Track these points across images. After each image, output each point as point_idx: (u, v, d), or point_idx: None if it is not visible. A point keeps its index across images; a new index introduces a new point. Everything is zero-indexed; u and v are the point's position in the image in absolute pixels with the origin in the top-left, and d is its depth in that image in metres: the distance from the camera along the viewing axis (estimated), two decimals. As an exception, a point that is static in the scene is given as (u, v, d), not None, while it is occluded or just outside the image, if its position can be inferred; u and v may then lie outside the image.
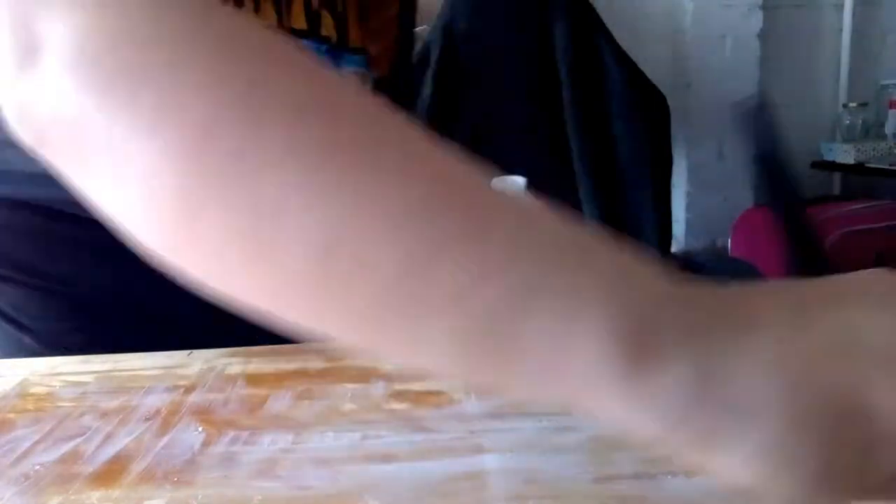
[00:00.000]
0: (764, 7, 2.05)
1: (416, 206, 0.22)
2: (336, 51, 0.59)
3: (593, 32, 1.46)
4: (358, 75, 0.58)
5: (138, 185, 0.24)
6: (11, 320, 0.68)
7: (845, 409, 0.20)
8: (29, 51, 0.25)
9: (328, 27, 0.58)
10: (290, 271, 0.23)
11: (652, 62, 1.62)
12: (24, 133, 0.27)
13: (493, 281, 0.21)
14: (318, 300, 0.23)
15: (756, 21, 2.06)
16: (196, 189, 0.23)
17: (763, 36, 2.07)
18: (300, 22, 0.56)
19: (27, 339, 0.68)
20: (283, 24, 0.56)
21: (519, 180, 0.60)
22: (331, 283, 0.22)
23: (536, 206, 0.24)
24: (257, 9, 0.55)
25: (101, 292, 0.67)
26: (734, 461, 0.21)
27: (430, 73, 1.40)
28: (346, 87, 0.26)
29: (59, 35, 0.24)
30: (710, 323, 0.22)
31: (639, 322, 0.21)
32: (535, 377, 0.22)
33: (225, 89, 0.24)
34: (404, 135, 0.25)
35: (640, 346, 0.21)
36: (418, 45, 1.43)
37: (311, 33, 0.56)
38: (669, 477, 0.41)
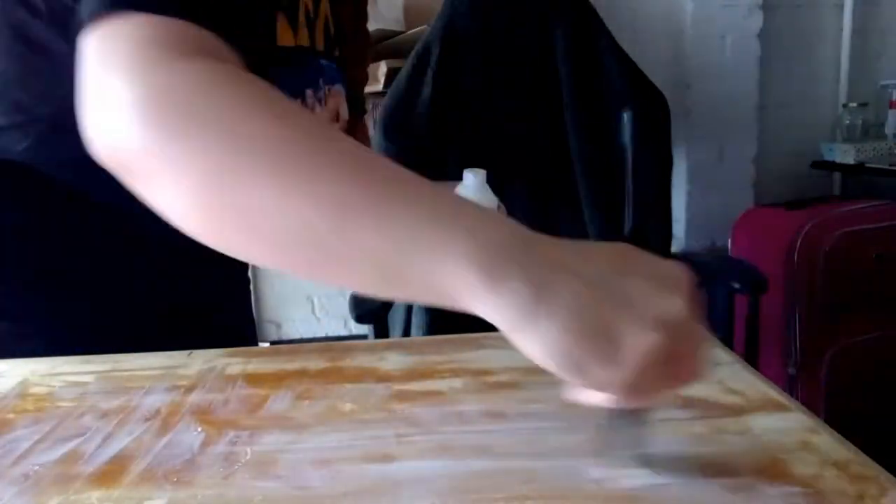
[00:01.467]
0: (764, 7, 2.05)
1: (346, 199, 0.36)
2: (341, 70, 0.70)
3: (593, 33, 1.46)
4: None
5: (187, 195, 0.38)
6: None
7: (597, 326, 0.34)
8: (99, 104, 0.40)
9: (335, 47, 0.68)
10: (276, 238, 0.38)
11: (652, 62, 1.62)
12: (107, 161, 0.40)
13: (394, 236, 0.35)
14: (288, 251, 0.39)
15: (756, 21, 2.06)
16: (219, 198, 0.38)
17: (763, 36, 2.06)
18: (320, 43, 0.65)
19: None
20: (313, 46, 0.64)
21: (479, 173, 0.63)
22: (293, 240, 0.37)
23: (424, 184, 0.37)
24: (296, 32, 0.62)
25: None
26: (533, 348, 0.35)
27: (430, 73, 1.40)
28: (319, 128, 0.40)
29: (127, 98, 0.38)
30: (529, 260, 0.35)
31: (487, 258, 0.34)
32: (429, 293, 0.36)
33: (225, 148, 0.38)
34: (349, 148, 0.39)
35: (489, 272, 0.34)
36: (419, 45, 1.43)
37: (327, 54, 0.66)
38: (669, 477, 0.41)
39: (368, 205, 0.36)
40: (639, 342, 0.33)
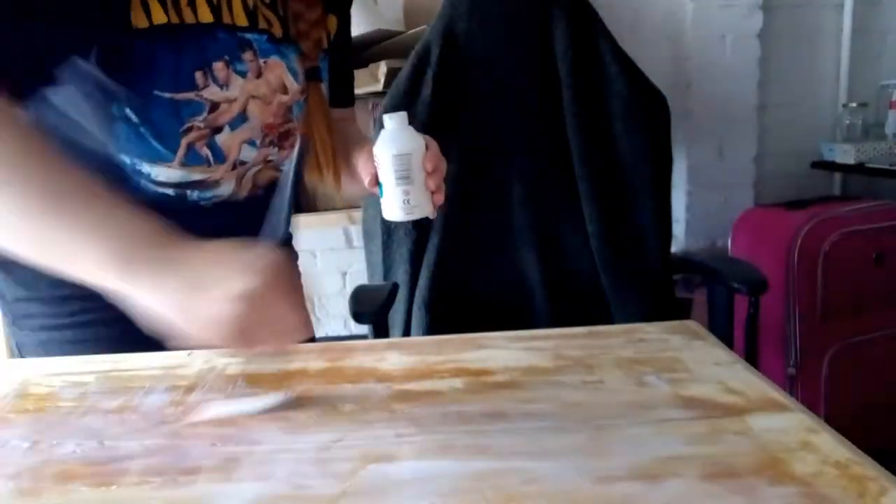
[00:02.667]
0: (764, 7, 2.05)
1: (36, 210, 0.50)
2: (279, 43, 0.71)
3: (593, 32, 1.46)
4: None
5: None
6: None
7: (189, 303, 0.48)
8: None
9: (269, 23, 0.70)
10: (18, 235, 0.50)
11: (652, 62, 1.62)
12: None
13: (65, 237, 0.50)
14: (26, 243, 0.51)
15: (756, 21, 2.05)
16: None
17: (763, 36, 2.06)
18: (242, 20, 0.67)
19: None
20: (225, 22, 0.66)
21: (396, 116, 0.66)
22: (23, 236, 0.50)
23: (91, 192, 0.52)
24: (194, 7, 0.64)
25: None
26: (147, 310, 0.49)
27: (430, 73, 1.40)
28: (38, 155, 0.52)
29: None
30: (153, 252, 0.50)
31: (123, 249, 0.49)
32: (86, 274, 0.49)
33: None
34: (48, 166, 0.52)
35: (124, 261, 0.49)
36: (419, 45, 1.43)
37: (251, 28, 0.68)
38: (669, 477, 0.41)
39: (54, 206, 0.50)
40: (218, 313, 0.48)
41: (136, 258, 0.49)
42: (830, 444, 0.44)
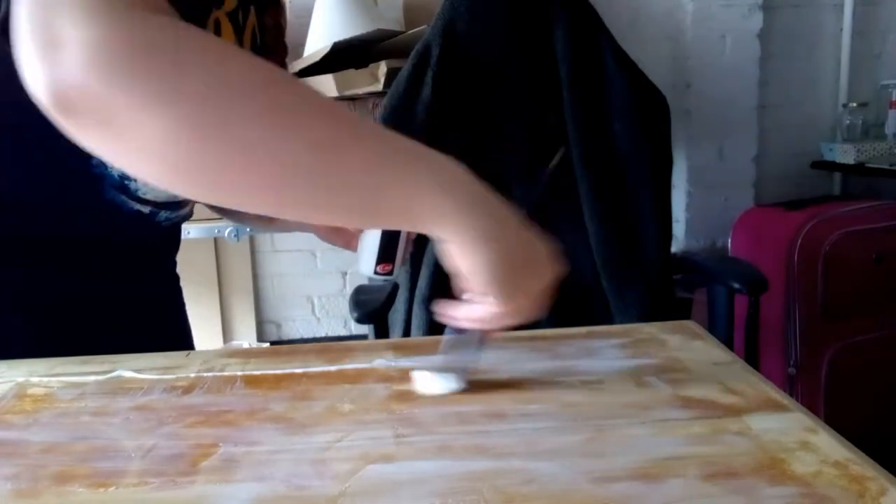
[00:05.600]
0: (764, 7, 2.05)
1: (331, 138, 0.41)
2: None
3: (593, 33, 1.46)
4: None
5: (165, 133, 0.38)
6: None
7: (522, 266, 0.48)
8: (50, 46, 0.37)
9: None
10: (265, 174, 0.41)
11: (652, 62, 1.62)
12: (53, 105, 0.38)
13: (375, 169, 0.42)
14: (275, 187, 0.42)
15: (756, 21, 2.06)
16: (206, 136, 0.39)
17: (763, 36, 2.06)
18: (248, 51, 0.67)
19: None
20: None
21: None
22: (281, 175, 0.41)
23: (394, 132, 0.44)
24: (239, 38, 0.65)
25: None
26: (475, 268, 0.46)
27: (430, 73, 1.40)
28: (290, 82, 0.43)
29: (78, 39, 0.37)
30: (485, 203, 0.46)
31: (456, 190, 0.44)
32: (400, 217, 0.45)
33: (210, 77, 0.39)
34: (324, 97, 0.43)
35: (456, 201, 0.45)
36: (419, 45, 1.43)
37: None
38: (669, 477, 0.40)
39: (352, 142, 0.42)
40: (540, 286, 0.49)
41: (473, 204, 0.45)
42: (830, 444, 0.44)
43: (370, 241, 0.67)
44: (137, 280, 0.73)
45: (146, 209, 0.67)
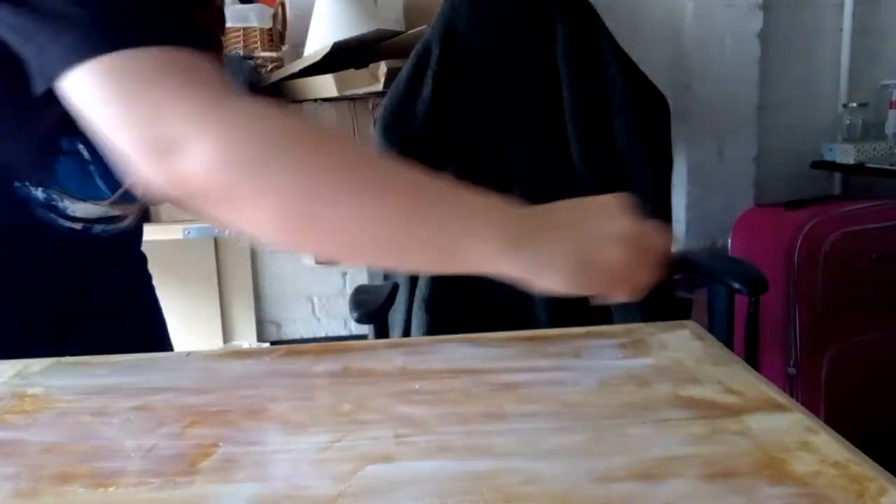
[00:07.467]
0: (764, 7, 2.04)
1: (411, 216, 0.49)
2: None
3: (593, 33, 1.46)
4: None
5: (274, 214, 0.47)
6: None
7: (586, 263, 0.49)
8: (165, 149, 0.45)
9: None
10: (355, 241, 0.49)
11: (652, 62, 1.61)
12: (177, 194, 0.47)
13: (446, 229, 0.49)
14: (364, 250, 0.51)
15: (756, 21, 2.05)
16: (304, 217, 0.47)
17: (763, 36, 2.06)
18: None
19: None
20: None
21: None
22: (369, 241, 0.49)
23: (455, 187, 0.49)
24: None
25: None
26: (550, 285, 0.49)
27: (430, 73, 1.40)
28: (372, 155, 0.53)
29: (203, 142, 0.45)
30: (534, 228, 0.50)
31: (507, 233, 0.49)
32: (469, 263, 0.49)
33: (308, 176, 0.47)
34: (405, 174, 0.50)
35: (508, 242, 0.48)
36: (419, 45, 1.43)
37: None
38: (669, 477, 0.40)
39: (427, 208, 0.49)
40: (610, 258, 0.49)
41: (521, 238, 0.49)
42: (830, 444, 0.44)
43: None
44: (99, 278, 0.73)
45: (78, 226, 0.66)
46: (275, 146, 0.47)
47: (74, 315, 0.70)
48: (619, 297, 0.52)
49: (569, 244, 0.49)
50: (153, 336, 0.83)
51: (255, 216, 0.47)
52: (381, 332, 1.20)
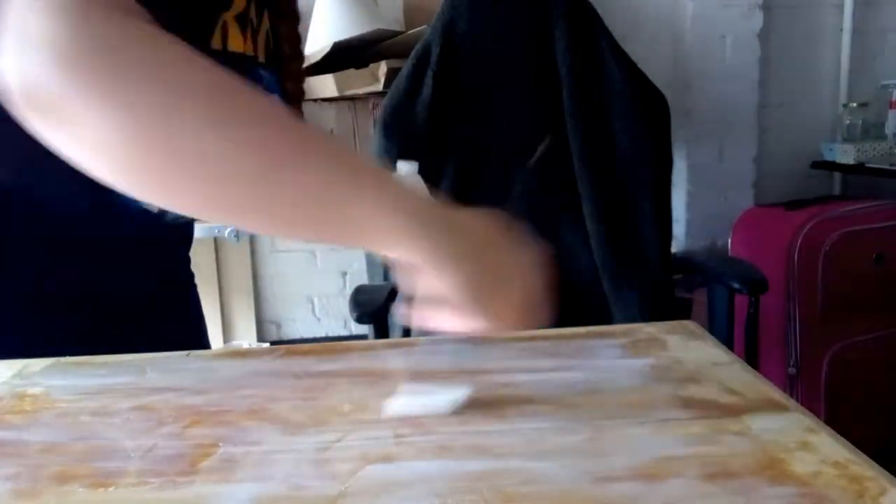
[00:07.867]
0: (764, 7, 2.05)
1: (281, 145, 0.41)
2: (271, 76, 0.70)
3: (593, 33, 1.46)
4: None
5: (116, 135, 0.39)
6: None
7: (490, 275, 0.47)
8: (24, 42, 0.38)
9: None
10: (211, 179, 0.41)
11: (652, 62, 1.62)
12: (20, 101, 0.39)
13: (324, 180, 0.42)
14: (221, 194, 0.42)
15: (756, 21, 2.06)
16: (154, 140, 0.39)
17: (763, 36, 2.06)
18: (262, 55, 0.67)
19: None
20: (256, 56, 0.65)
21: (412, 164, 0.65)
22: (227, 182, 0.41)
23: (346, 145, 0.49)
24: (245, 40, 0.63)
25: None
26: (446, 281, 0.45)
27: (430, 73, 1.40)
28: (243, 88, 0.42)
29: (46, 37, 0.37)
30: (439, 217, 0.46)
31: (411, 209, 0.44)
32: (350, 235, 0.45)
33: (162, 82, 0.39)
34: (276, 106, 0.46)
35: (412, 220, 0.44)
36: (419, 45, 1.43)
37: (268, 66, 0.68)
38: (669, 477, 0.40)
39: (304, 157, 0.42)
40: (517, 291, 0.48)
41: (433, 224, 0.45)
42: (829, 445, 0.43)
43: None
44: (147, 276, 0.73)
45: (154, 208, 0.67)
46: (124, 53, 0.39)
47: (133, 301, 0.71)
48: (500, 327, 0.50)
49: (479, 253, 0.46)
50: (200, 330, 0.84)
51: (87, 138, 0.39)
52: (381, 332, 1.20)
